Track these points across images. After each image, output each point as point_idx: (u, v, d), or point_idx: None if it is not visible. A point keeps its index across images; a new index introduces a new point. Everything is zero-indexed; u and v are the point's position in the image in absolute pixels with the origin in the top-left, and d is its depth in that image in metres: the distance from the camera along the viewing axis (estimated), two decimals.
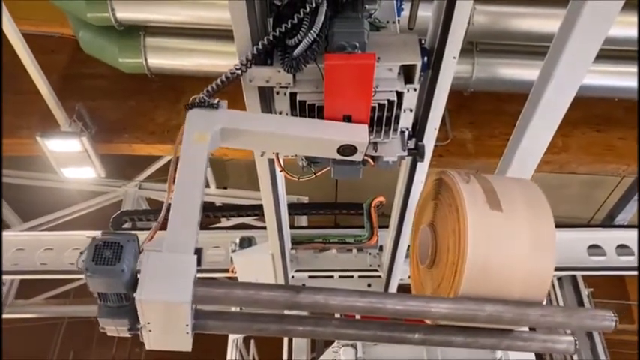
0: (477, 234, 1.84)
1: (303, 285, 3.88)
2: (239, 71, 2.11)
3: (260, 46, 2.07)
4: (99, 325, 1.81)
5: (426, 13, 2.32)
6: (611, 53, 5.09)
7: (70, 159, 5.71)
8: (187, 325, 1.76)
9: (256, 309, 1.95)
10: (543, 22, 4.81)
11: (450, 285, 1.88)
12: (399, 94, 2.23)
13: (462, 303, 1.81)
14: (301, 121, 2.23)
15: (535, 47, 5.05)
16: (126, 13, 5.19)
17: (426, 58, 2.18)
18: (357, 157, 2.20)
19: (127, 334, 1.82)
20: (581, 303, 7.29)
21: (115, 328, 1.81)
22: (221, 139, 2.15)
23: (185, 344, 1.83)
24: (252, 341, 6.97)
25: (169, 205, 1.93)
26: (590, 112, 5.80)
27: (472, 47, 5.29)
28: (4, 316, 7.22)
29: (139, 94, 6.06)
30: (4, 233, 5.31)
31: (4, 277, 5.94)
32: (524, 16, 4.91)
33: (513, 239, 1.90)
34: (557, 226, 4.77)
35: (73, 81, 6.13)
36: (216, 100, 2.16)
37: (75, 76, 6.20)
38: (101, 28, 5.42)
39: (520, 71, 5.29)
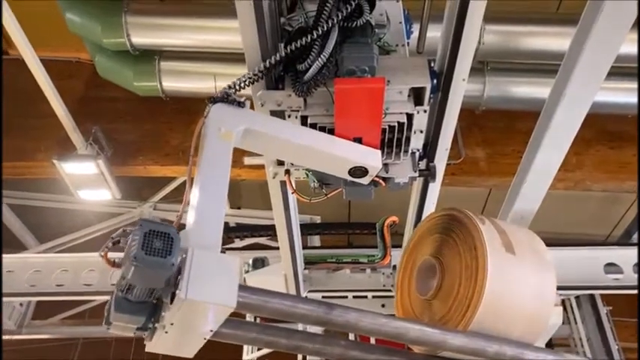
0: (494, 274, 1.93)
1: None
2: (259, 75, 2.09)
3: (268, 64, 2.07)
4: (109, 325, 1.63)
5: (437, 34, 2.35)
6: (624, 70, 5.07)
7: (86, 181, 5.78)
8: (211, 331, 1.66)
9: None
10: (553, 40, 4.82)
11: (460, 318, 1.94)
12: (409, 116, 2.26)
13: (474, 338, 1.87)
14: (322, 135, 2.21)
15: (546, 65, 5.06)
16: (141, 38, 5.30)
17: (435, 81, 2.20)
18: (365, 180, 2.22)
19: (131, 334, 1.65)
20: (599, 322, 7.15)
21: (123, 325, 1.63)
22: (241, 139, 2.06)
23: (192, 351, 1.74)
24: None
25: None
26: (603, 129, 5.77)
27: (483, 66, 5.31)
28: (22, 337, 7.27)
29: (154, 117, 6.14)
30: (22, 255, 5.39)
31: (22, 299, 5.99)
32: (534, 35, 4.93)
33: (523, 283, 2.04)
34: (574, 244, 4.69)
35: (89, 104, 6.24)
36: (242, 99, 2.08)
37: (92, 100, 6.31)
38: (117, 52, 5.54)
39: (531, 89, 5.29)
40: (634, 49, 4.55)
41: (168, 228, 1.58)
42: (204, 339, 1.68)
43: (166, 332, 1.62)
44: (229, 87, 2.06)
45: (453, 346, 1.83)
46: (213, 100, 2.04)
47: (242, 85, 2.10)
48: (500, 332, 1.94)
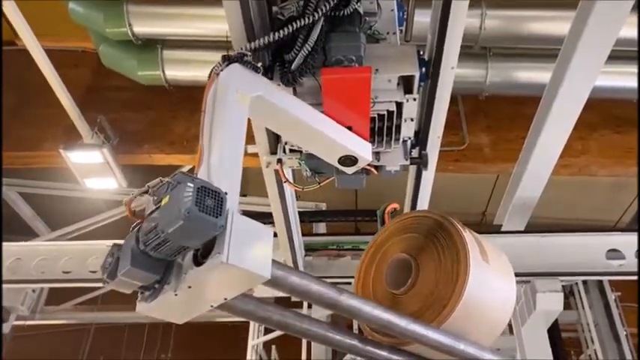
0: (473, 280, 2.05)
1: None
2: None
3: (258, 44, 2.02)
4: (112, 278, 1.49)
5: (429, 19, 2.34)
6: (629, 54, 5.01)
7: (92, 170, 5.84)
8: (225, 299, 1.54)
9: None
10: (555, 25, 4.78)
11: (433, 316, 2.05)
12: (399, 105, 2.26)
13: (448, 336, 2.00)
14: (327, 119, 2.15)
15: (549, 50, 5.00)
16: (142, 28, 5.33)
17: (424, 69, 2.20)
18: (350, 170, 2.24)
19: (129, 291, 1.53)
20: (607, 307, 7.13)
21: (129, 282, 1.49)
22: (251, 107, 1.87)
23: (188, 317, 1.61)
24: (273, 347, 7.01)
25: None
26: (609, 114, 5.70)
27: (485, 52, 5.26)
28: (35, 322, 7.43)
29: (158, 106, 6.19)
30: (29, 243, 5.49)
31: (32, 285, 6.11)
32: (536, 19, 4.88)
33: (494, 291, 2.18)
34: (581, 229, 4.66)
35: (95, 94, 6.29)
36: (259, 64, 1.95)
37: (97, 89, 6.37)
38: (120, 42, 5.58)
39: (534, 74, 5.25)
40: None
41: (216, 187, 1.46)
42: (212, 306, 1.56)
43: (176, 295, 1.47)
44: (241, 49, 1.95)
45: (429, 340, 1.94)
46: (228, 58, 1.89)
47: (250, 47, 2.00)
48: (467, 333, 2.06)
